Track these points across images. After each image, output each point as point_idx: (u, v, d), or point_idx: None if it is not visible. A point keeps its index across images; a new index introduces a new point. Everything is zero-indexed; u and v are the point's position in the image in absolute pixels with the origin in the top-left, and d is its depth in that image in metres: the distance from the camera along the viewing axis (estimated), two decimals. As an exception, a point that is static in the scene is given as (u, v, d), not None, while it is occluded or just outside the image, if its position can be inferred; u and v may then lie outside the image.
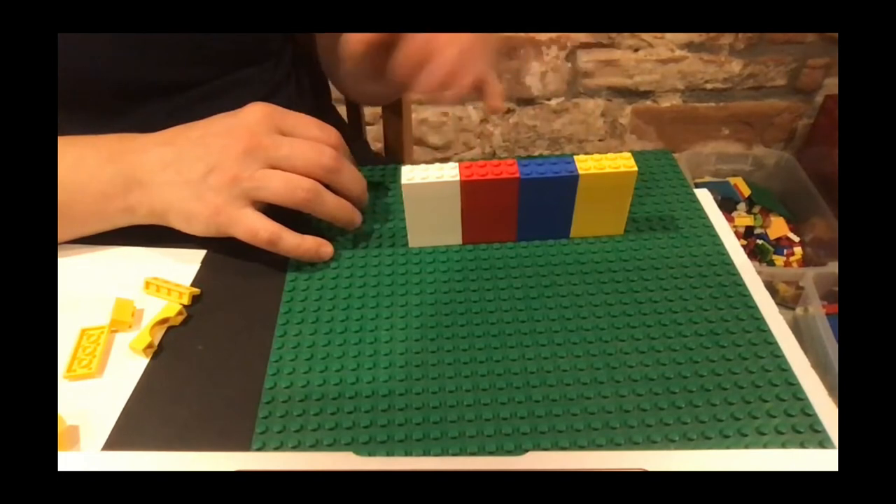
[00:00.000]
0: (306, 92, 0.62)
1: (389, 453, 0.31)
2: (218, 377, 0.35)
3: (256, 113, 0.40)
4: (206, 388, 0.35)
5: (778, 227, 1.28)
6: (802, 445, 0.31)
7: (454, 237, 0.43)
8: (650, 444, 0.31)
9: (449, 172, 0.39)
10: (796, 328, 1.12)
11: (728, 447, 0.31)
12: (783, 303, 1.16)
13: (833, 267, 1.13)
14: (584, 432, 0.32)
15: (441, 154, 1.42)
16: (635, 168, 0.39)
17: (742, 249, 0.42)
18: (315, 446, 0.32)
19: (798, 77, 1.31)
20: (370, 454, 0.31)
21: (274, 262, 0.42)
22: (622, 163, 0.39)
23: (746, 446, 0.31)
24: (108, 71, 0.47)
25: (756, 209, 1.32)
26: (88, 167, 0.41)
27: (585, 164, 0.39)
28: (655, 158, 0.50)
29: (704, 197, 0.47)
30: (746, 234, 1.29)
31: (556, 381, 0.34)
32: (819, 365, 1.02)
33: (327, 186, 0.41)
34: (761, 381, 0.34)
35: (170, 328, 0.38)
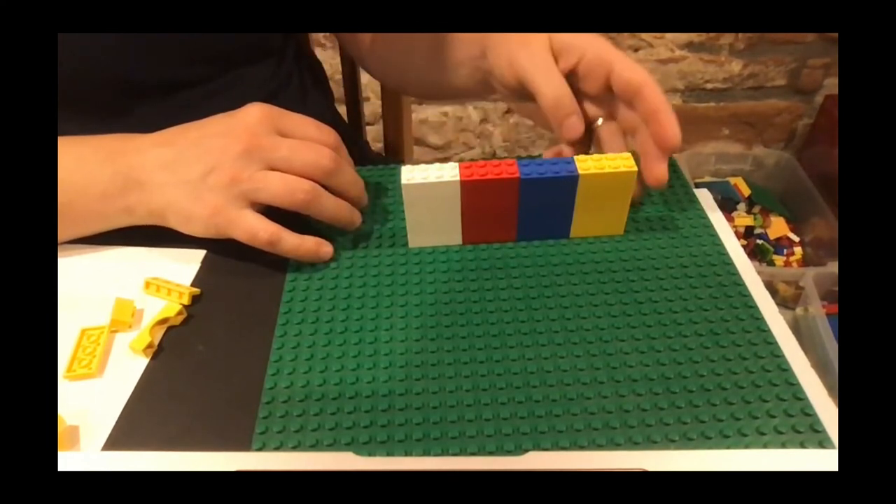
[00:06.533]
0: (308, 91, 0.62)
1: (389, 453, 0.31)
2: (218, 377, 0.35)
3: (255, 113, 0.40)
4: (206, 388, 0.35)
5: (778, 227, 1.28)
6: (802, 445, 0.31)
7: (454, 237, 0.43)
8: (650, 444, 0.31)
9: (449, 172, 0.39)
10: (796, 328, 1.12)
11: (728, 447, 0.31)
12: (783, 303, 1.16)
13: (833, 267, 1.13)
14: (584, 432, 0.32)
15: (441, 154, 1.42)
16: (635, 168, 0.39)
17: (742, 249, 0.42)
18: (315, 446, 0.32)
19: (798, 77, 1.31)
20: (370, 454, 0.31)
21: (274, 262, 0.42)
22: (622, 163, 0.39)
23: (746, 446, 0.31)
24: (107, 70, 0.47)
25: (756, 209, 1.32)
26: (87, 167, 0.41)
27: (585, 164, 0.39)
28: (655, 158, 0.50)
29: (704, 197, 0.47)
30: (746, 234, 1.29)
31: (556, 381, 0.34)
32: (819, 365, 1.02)
33: (326, 187, 0.41)
34: (761, 381, 0.34)
35: (170, 328, 0.38)
